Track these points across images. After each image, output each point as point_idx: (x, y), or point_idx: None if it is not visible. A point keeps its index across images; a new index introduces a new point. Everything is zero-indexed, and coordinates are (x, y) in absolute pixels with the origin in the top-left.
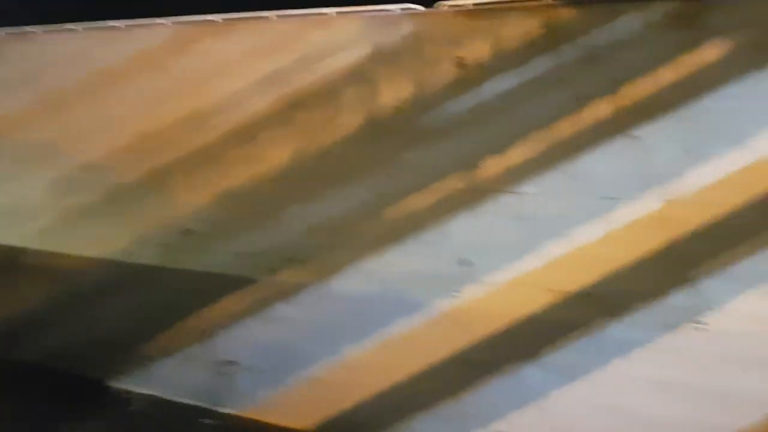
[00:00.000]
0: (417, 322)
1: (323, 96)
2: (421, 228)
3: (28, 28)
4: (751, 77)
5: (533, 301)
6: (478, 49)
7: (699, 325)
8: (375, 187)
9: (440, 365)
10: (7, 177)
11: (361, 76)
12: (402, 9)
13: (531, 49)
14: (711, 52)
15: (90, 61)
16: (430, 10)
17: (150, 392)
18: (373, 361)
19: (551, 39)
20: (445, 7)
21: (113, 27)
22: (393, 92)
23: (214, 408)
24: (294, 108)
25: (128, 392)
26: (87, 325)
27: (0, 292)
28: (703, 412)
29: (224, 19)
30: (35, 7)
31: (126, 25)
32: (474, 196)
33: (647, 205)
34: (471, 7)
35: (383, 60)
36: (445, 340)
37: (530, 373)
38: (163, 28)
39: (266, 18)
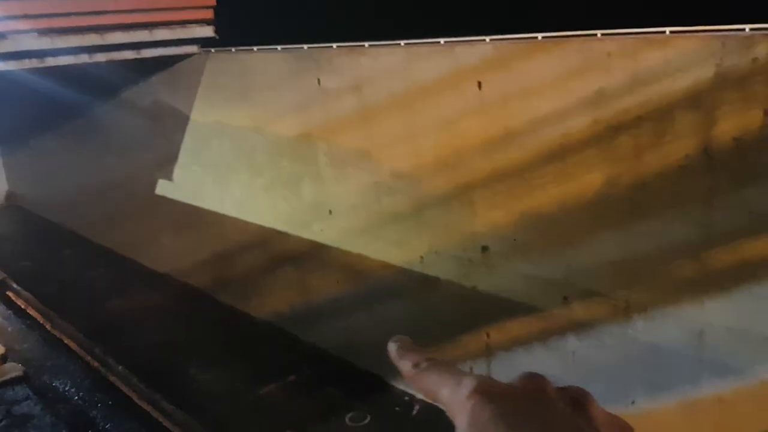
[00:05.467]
0: (730, 387)
1: (650, 121)
2: (754, 279)
3: (358, 43)
4: None
5: None
6: None
7: None
8: (700, 225)
9: None
10: (322, 178)
11: (697, 101)
12: (754, 29)
13: None
14: None
15: (407, 76)
16: None
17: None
18: (669, 420)
19: None
20: None
21: (434, 43)
22: (736, 121)
23: None
24: (614, 131)
25: (410, 396)
26: (373, 324)
27: (301, 280)
28: None
29: (545, 37)
30: (368, 23)
31: (446, 41)
32: None
33: None
34: None
35: (727, 85)
36: (764, 414)
37: None
38: (483, 45)
39: (592, 36)
